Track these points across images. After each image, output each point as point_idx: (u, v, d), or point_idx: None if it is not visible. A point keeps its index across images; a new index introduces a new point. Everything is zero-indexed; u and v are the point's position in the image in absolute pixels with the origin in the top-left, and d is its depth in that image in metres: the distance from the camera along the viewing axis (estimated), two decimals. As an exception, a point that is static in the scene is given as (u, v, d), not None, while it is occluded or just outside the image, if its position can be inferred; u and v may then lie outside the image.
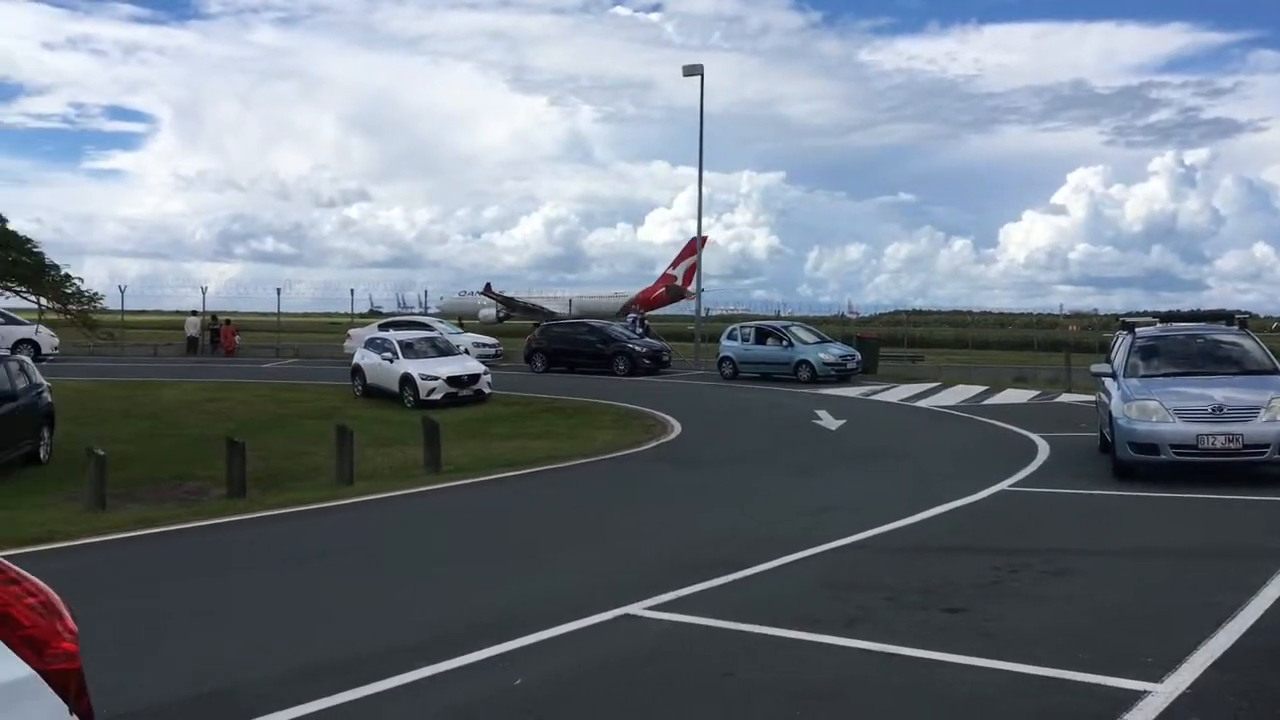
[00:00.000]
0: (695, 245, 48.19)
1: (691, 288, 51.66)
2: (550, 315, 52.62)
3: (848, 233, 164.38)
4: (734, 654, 6.42)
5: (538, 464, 15.78)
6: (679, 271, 58.45)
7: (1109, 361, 15.29)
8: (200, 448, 18.11)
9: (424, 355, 26.95)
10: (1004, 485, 13.00)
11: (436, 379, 25.40)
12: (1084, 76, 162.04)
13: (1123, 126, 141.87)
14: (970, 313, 76.02)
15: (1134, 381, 13.80)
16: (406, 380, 25.58)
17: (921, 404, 24.90)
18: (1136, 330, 15.09)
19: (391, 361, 26.37)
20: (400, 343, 27.26)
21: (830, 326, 42.12)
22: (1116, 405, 13.40)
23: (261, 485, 14.11)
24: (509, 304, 61.96)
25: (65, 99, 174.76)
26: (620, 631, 6.99)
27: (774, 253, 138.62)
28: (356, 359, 28.57)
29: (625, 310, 52.36)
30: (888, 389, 28.25)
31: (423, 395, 24.94)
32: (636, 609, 7.39)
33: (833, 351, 31.53)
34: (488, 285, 62.71)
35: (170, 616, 7.37)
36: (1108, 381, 14.57)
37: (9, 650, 2.29)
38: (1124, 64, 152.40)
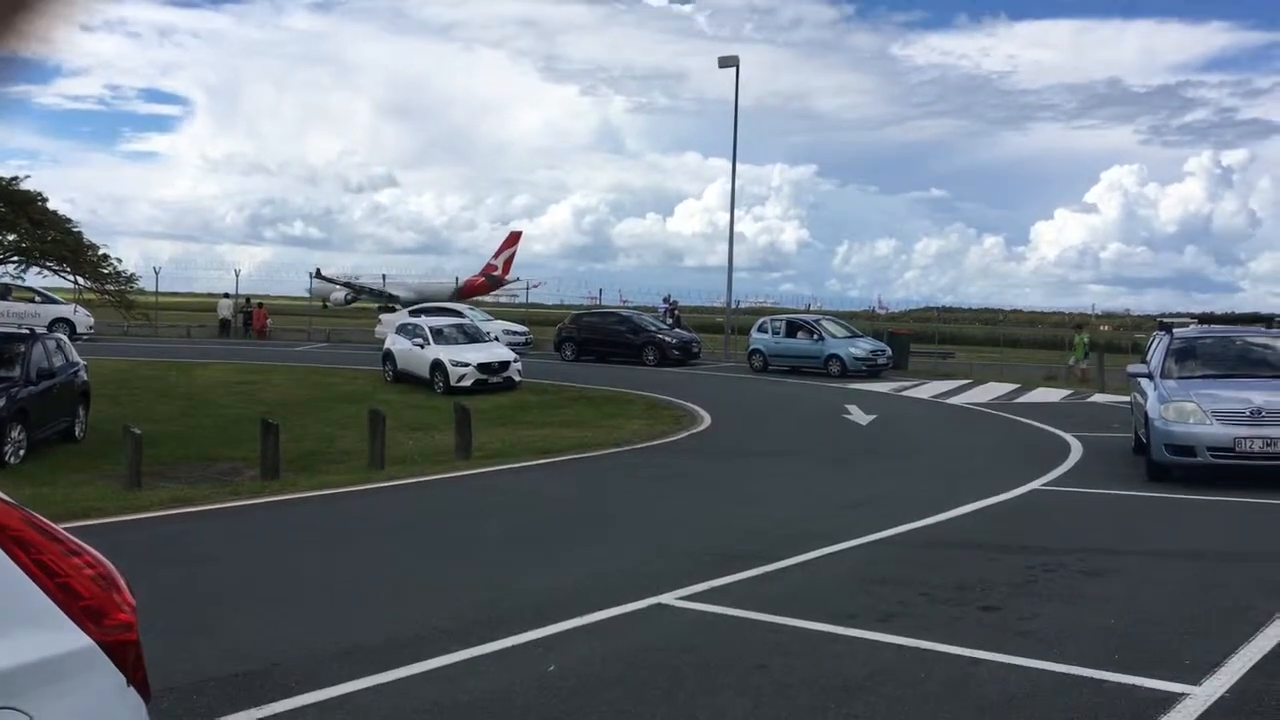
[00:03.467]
0: (515, 237, 59.62)
1: (510, 276, 60.55)
2: (392, 297, 59.42)
3: (878, 227, 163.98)
4: (767, 646, 6.41)
5: (568, 452, 15.82)
6: (499, 261, 64.38)
7: (1145, 362, 15.14)
8: (233, 429, 18.29)
9: (455, 342, 27.06)
10: (1037, 484, 12.92)
11: (467, 365, 25.50)
12: (1120, 75, 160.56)
13: (1158, 125, 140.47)
14: (1001, 310, 75.52)
15: (1171, 383, 13.66)
16: (437, 366, 25.69)
17: (953, 401, 24.77)
18: (1174, 331, 14.94)
19: (422, 347, 26.49)
20: (431, 329, 27.37)
21: (860, 321, 41.92)
22: (1153, 406, 13.26)
23: (294, 467, 14.23)
24: (351, 288, 65.27)
25: (101, 81, 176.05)
26: (653, 621, 7.00)
27: (803, 246, 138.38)
28: (388, 344, 28.72)
29: (457, 296, 57.78)
30: (918, 385, 28.11)
31: (453, 381, 25.03)
32: (669, 599, 7.39)
33: (863, 346, 31.40)
34: (318, 270, 65.57)
35: (207, 595, 7.45)
36: (1144, 382, 14.43)
37: (69, 620, 2.32)
38: (1162, 62, 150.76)
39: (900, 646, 6.36)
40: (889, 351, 31.85)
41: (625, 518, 11.11)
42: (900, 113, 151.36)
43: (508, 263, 63.37)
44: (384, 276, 66.32)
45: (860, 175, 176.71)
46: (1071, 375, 31.27)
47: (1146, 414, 13.50)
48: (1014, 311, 74.90)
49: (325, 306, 58.72)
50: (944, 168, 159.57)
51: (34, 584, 2.27)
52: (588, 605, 7.13)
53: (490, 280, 64.20)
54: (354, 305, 64.21)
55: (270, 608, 7.20)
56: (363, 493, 12.26)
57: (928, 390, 26.95)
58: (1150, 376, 14.17)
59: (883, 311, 59.20)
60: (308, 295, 62.26)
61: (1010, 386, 27.77)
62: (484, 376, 25.43)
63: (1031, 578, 8.22)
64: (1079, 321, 41.58)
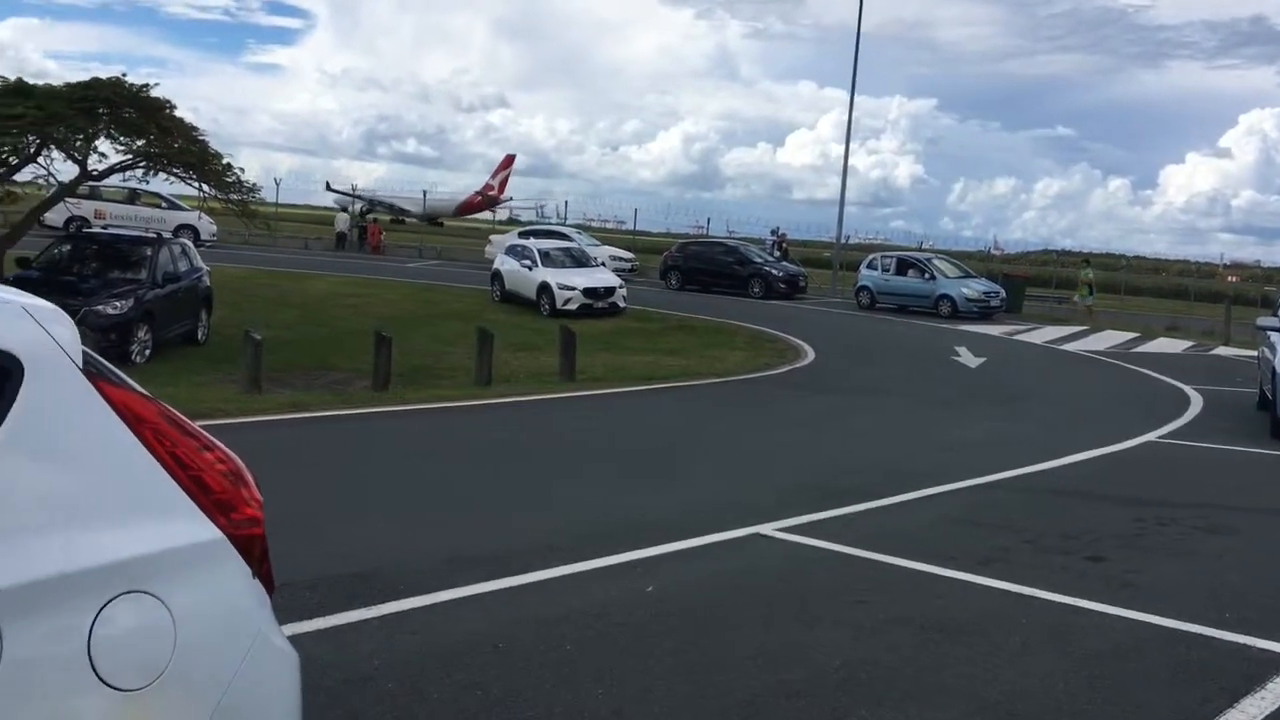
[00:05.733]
0: (510, 160, 68.41)
1: (504, 196, 66.54)
2: (403, 211, 64.87)
3: (998, 165, 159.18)
4: (866, 582, 6.39)
5: (670, 380, 15.87)
6: (495, 182, 69.73)
7: (1276, 315, 14.50)
8: (346, 340, 18.76)
9: (562, 265, 27.23)
10: (1152, 436, 12.54)
11: (573, 289, 25.66)
12: (1265, 12, 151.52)
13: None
14: (1123, 256, 72.81)
15: (1303, 338, 13.06)
16: (544, 288, 25.91)
17: (1068, 347, 24.10)
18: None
19: (530, 269, 26.72)
20: (539, 251, 27.58)
21: (974, 262, 40.87)
22: (1282, 362, 12.72)
23: (403, 380, 14.55)
24: (366, 201, 67.62)
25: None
26: (752, 549, 7.03)
27: (917, 182, 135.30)
28: (496, 264, 29.05)
29: (460, 210, 66.89)
30: (1032, 329, 27.41)
31: (559, 304, 25.24)
32: (767, 529, 7.41)
33: (976, 287, 30.70)
34: (328, 183, 69.37)
35: (320, 498, 7.69)
36: (1273, 336, 13.82)
37: (201, 513, 2.40)
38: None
39: (1004, 591, 6.28)
40: (1003, 293, 31.09)
41: (725, 447, 11.12)
42: (1027, 46, 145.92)
43: (503, 183, 68.63)
44: (374, 192, 69.82)
45: (982, 110, 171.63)
46: (1080, 313, 31.15)
47: (1274, 369, 12.96)
48: (1137, 258, 72.21)
49: (353, 218, 62.97)
50: (1071, 105, 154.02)
51: (169, 476, 2.35)
52: (686, 530, 7.19)
53: (486, 199, 69.08)
54: (369, 215, 67.98)
55: (380, 514, 7.41)
56: (470, 408, 12.51)
57: (1042, 335, 26.26)
58: (1281, 331, 13.58)
59: (998, 252, 57.78)
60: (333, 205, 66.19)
61: (1129, 335, 26.90)
62: (589, 301, 25.58)
63: (1141, 530, 8.01)
64: (1085, 257, 40.42)
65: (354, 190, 67.44)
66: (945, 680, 4.93)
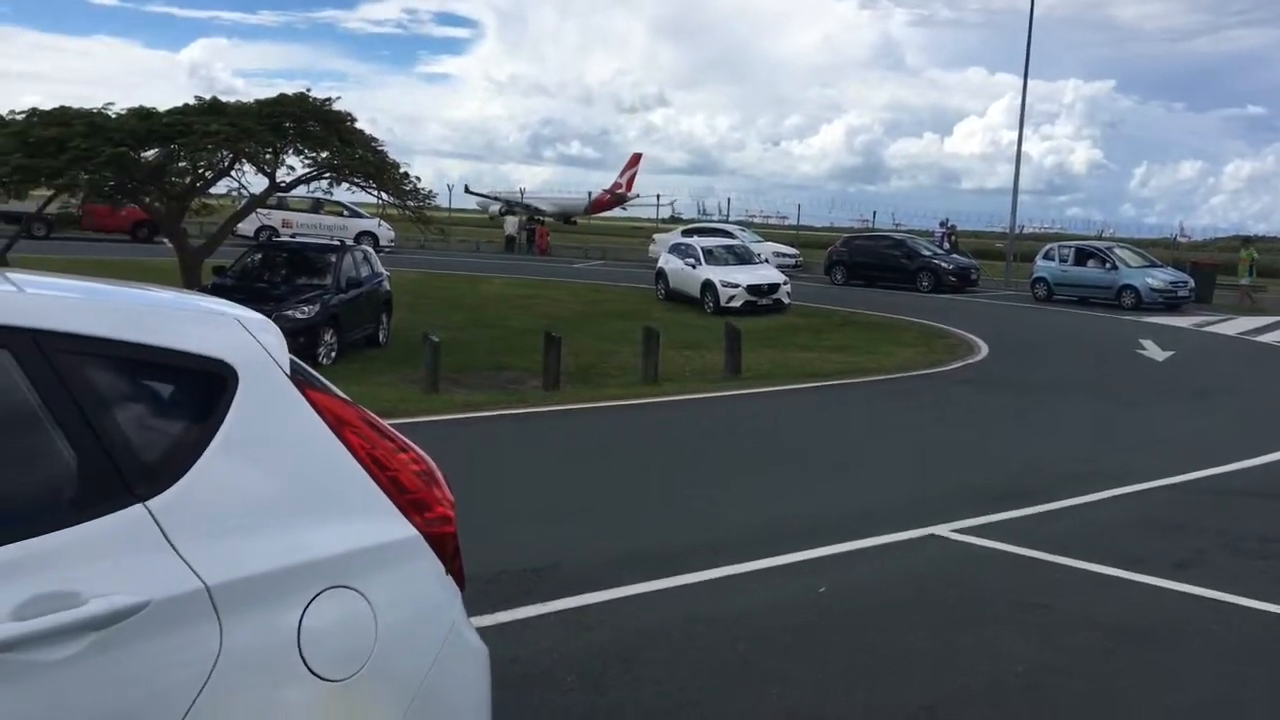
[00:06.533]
0: (637, 159, 70.76)
1: (631, 194, 68.40)
2: (538, 210, 65.04)
3: (1182, 148, 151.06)
4: (1049, 585, 6.19)
5: (837, 377, 15.66)
6: (624, 180, 71.55)
7: None
8: (516, 340, 19.22)
9: (725, 262, 27.21)
10: (1362, 434, 11.68)
11: (737, 286, 25.61)
12: None
13: None
14: (1325, 241, 67.87)
15: None
16: (708, 286, 25.94)
17: (1263, 339, 22.67)
18: None
19: (694, 267, 26.80)
20: (703, 249, 27.63)
21: (1158, 250, 38.85)
22: None
23: (573, 379, 14.83)
24: (503, 202, 69.49)
25: (400, 5, 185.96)
26: (927, 551, 6.89)
27: (1095, 168, 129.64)
28: (660, 263, 29.25)
29: (590, 209, 69.75)
30: (1224, 320, 25.90)
31: (723, 302, 25.23)
32: (943, 530, 7.25)
33: (1162, 277, 29.20)
34: (466, 186, 72.25)
35: (497, 495, 7.92)
36: None
37: (398, 511, 2.52)
38: None
39: (1198, 597, 5.98)
40: (1191, 283, 29.48)
41: (896, 446, 10.92)
42: (1213, 21, 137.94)
43: (630, 180, 70.55)
44: (521, 191, 71.20)
45: (1164, 91, 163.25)
46: (1243, 299, 30.01)
47: None
48: (1340, 242, 67.23)
49: (491, 218, 66.32)
50: (1262, 83, 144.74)
51: (368, 477, 2.48)
52: (859, 530, 7.10)
53: (615, 197, 71.18)
54: (506, 215, 70.49)
55: (554, 511, 7.59)
56: (638, 407, 12.65)
57: (1234, 326, 24.78)
58: None
59: (1185, 240, 54.83)
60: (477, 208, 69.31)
61: (1333, 325, 25.12)
62: (753, 298, 25.48)
63: (1352, 536, 7.49)
64: (1245, 236, 37.63)
65: (494, 194, 70.58)
66: (1132, 689, 4.74)
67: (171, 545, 2.10)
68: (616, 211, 75.46)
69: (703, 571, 6.14)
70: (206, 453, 2.21)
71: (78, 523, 2.02)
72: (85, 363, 2.14)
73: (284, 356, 2.45)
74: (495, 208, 71.99)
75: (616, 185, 73.22)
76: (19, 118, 16.64)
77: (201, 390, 2.28)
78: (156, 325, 2.31)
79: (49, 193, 19.11)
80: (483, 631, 4.53)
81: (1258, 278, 33.83)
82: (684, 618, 5.44)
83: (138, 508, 2.09)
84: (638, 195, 71.74)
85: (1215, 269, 33.84)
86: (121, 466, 2.10)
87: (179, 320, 2.40)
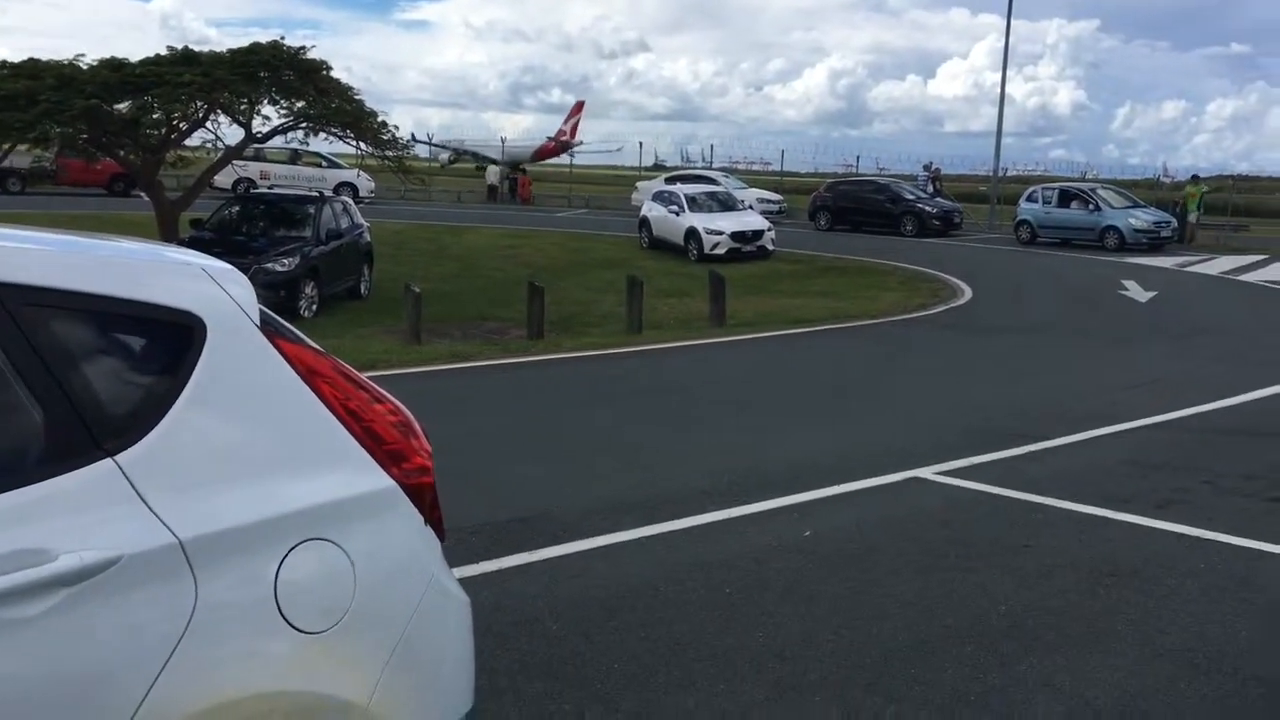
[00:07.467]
0: (580, 106, 69.75)
1: (575, 140, 67.20)
2: (487, 158, 64.42)
3: (1166, 88, 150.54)
4: (1031, 526, 6.22)
5: (822, 322, 15.66)
6: (568, 127, 71.05)
7: None
8: (500, 290, 19.16)
9: (709, 210, 27.07)
10: (1343, 371, 11.74)
11: (721, 234, 25.51)
12: None
13: None
14: (1307, 179, 67.83)
15: None
16: (691, 234, 25.84)
17: (1246, 278, 22.75)
18: None
19: (677, 215, 26.67)
20: (686, 196, 27.46)
21: (1141, 190, 38.77)
22: None
23: (557, 328, 14.79)
24: (452, 150, 70.34)
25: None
26: (910, 493, 6.91)
27: (1079, 109, 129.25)
28: (644, 211, 29.09)
29: (536, 156, 67.24)
30: (1206, 260, 25.96)
31: (707, 249, 25.15)
32: (926, 473, 7.27)
33: (1144, 217, 29.17)
34: (412, 135, 71.62)
35: (480, 445, 7.90)
36: None
37: (374, 462, 2.49)
38: None
39: (1179, 535, 6.02)
40: (1174, 223, 29.50)
41: (881, 390, 10.94)
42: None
43: (574, 128, 70.27)
44: (463, 142, 71.83)
45: (1148, 30, 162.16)
46: (1190, 235, 30.87)
47: None
48: (1323, 181, 67.23)
49: (442, 166, 66.16)
50: (1247, 20, 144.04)
51: (343, 428, 2.44)
52: (843, 474, 7.12)
53: (560, 144, 70.91)
54: (455, 165, 70.13)
55: (538, 461, 7.57)
56: (623, 355, 12.63)
57: (1217, 266, 24.84)
58: None
59: (1168, 180, 54.72)
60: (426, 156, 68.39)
61: (1315, 264, 25.19)
62: (737, 245, 25.40)
63: (1333, 472, 7.55)
64: (1194, 175, 37.80)
65: (430, 139, 70.78)
66: (1117, 626, 4.77)
67: (142, 499, 2.06)
68: (583, 160, 75.05)
69: (689, 517, 6.16)
70: (175, 406, 2.16)
71: (45, 479, 1.98)
72: (49, 316, 2.09)
73: (253, 307, 2.39)
74: (444, 156, 72.08)
75: (561, 133, 72.70)
76: (-13, 71, 16.36)
77: (169, 342, 2.23)
78: (121, 277, 2.25)
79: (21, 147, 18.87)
80: (470, 581, 4.54)
81: (1233, 216, 34.19)
82: (671, 564, 5.45)
83: (106, 462, 2.05)
84: (582, 142, 71.37)
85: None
86: (89, 421, 2.06)
87: (145, 272, 2.34)
